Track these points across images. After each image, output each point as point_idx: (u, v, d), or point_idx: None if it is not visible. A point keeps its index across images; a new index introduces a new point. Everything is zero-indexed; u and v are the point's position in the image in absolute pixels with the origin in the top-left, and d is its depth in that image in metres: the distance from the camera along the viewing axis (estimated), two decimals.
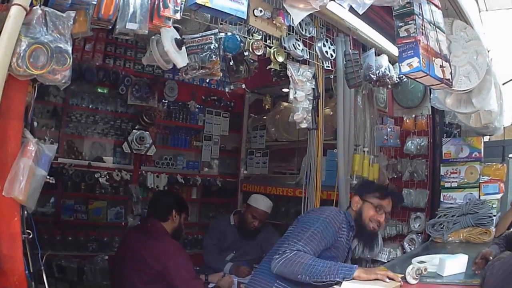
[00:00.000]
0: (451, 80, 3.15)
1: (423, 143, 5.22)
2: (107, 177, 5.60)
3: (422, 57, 2.75)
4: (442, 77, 2.97)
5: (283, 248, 2.76)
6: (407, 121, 5.33)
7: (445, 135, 5.42)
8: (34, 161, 1.82)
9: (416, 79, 2.92)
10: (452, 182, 5.06)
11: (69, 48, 1.85)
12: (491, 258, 2.82)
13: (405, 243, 5.11)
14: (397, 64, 3.37)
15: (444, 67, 3.01)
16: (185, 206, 4.02)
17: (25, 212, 1.88)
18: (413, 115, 5.34)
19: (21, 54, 1.68)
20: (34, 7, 1.76)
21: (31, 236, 1.90)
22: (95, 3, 2.03)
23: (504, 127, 5.26)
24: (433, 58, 2.90)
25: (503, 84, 5.35)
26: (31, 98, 1.86)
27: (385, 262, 4.31)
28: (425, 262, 3.15)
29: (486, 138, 5.79)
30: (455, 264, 2.90)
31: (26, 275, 1.85)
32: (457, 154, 5.10)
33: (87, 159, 5.59)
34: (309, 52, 3.58)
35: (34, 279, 1.94)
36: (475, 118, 4.45)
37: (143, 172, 5.98)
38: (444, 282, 2.69)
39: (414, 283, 2.53)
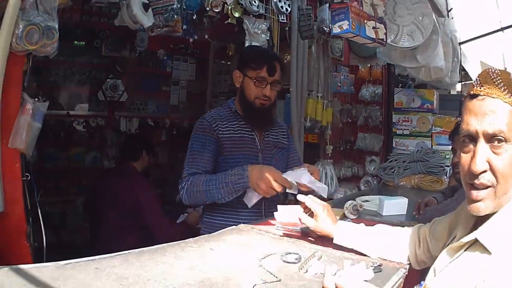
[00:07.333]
0: (385, 40, 3.46)
1: (377, 91, 5.50)
2: (84, 124, 5.91)
3: (352, 21, 3.06)
4: (374, 37, 3.29)
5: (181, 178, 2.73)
6: (362, 69, 5.60)
7: (400, 85, 5.73)
8: (31, 117, 2.21)
9: (348, 39, 3.25)
10: (404, 129, 5.42)
11: (56, 25, 2.19)
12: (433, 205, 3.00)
13: (361, 184, 5.49)
14: None
15: (378, 28, 3.32)
16: (153, 147, 4.42)
17: (25, 159, 2.28)
18: (369, 65, 5.61)
19: (19, 35, 2.02)
20: None
21: (29, 177, 2.29)
22: None
23: (463, 84, 5.77)
24: (365, 21, 3.21)
25: (461, 43, 5.62)
26: (27, 67, 2.23)
27: None
28: (368, 201, 3.29)
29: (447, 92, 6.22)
30: (394, 205, 3.06)
31: (24, 213, 2.21)
32: (409, 104, 5.42)
33: (65, 108, 5.83)
34: (265, 7, 3.66)
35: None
36: (425, 72, 4.73)
37: (116, 117, 6.31)
38: (381, 220, 2.77)
39: (353, 218, 2.66)
